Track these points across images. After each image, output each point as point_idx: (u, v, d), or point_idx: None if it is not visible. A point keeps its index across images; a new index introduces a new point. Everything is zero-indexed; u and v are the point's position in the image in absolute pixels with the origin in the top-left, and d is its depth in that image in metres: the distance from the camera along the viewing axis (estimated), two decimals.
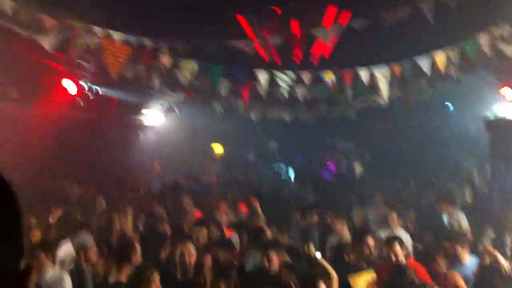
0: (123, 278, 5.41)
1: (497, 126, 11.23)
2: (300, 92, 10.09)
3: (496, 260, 5.86)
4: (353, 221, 9.32)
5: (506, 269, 5.59)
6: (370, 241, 6.37)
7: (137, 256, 5.82)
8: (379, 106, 12.03)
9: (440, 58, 8.53)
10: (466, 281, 5.64)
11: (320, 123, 14.20)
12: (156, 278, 5.01)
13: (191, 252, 6.16)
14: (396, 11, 7.91)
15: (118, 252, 5.97)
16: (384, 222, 8.28)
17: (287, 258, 6.34)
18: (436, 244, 7.19)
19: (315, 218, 8.53)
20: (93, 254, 6.55)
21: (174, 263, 6.22)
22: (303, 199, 11.56)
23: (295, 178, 17.47)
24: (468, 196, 11.13)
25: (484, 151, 12.24)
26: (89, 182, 11.20)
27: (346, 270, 5.95)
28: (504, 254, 6.47)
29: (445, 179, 13.47)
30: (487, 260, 6.03)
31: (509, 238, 7.66)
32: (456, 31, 8.55)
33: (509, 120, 11.03)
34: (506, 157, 10.82)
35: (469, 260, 6.36)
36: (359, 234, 6.75)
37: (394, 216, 8.13)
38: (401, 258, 5.97)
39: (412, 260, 6.28)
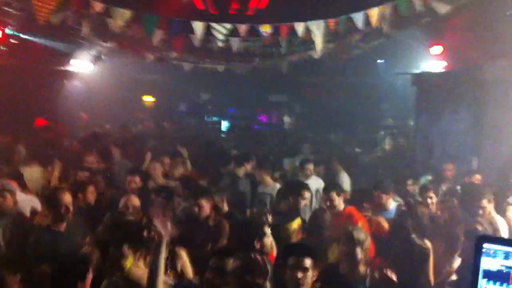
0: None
1: (423, 80, 11.69)
2: (234, 43, 9.99)
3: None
4: (284, 171, 9.59)
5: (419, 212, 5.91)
6: (307, 194, 6.56)
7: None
8: (312, 60, 12.19)
9: (373, 13, 8.65)
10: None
11: (253, 75, 14.21)
12: None
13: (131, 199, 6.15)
14: None
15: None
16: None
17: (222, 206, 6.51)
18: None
19: (246, 169, 8.63)
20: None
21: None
22: (234, 150, 11.64)
23: (226, 130, 17.54)
24: (387, 144, 11.60)
25: (409, 104, 12.78)
26: (10, 131, 10.69)
27: (280, 220, 6.13)
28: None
29: (368, 130, 14.07)
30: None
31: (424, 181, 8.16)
32: None
33: (434, 74, 11.45)
34: (430, 110, 11.34)
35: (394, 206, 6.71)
36: (294, 186, 6.87)
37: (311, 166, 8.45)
38: (337, 204, 6.22)
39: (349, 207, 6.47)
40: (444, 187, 7.85)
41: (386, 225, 6.09)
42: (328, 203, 6.29)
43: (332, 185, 6.76)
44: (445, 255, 5.46)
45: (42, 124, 11.85)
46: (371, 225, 6.08)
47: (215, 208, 6.27)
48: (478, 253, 2.41)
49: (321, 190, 7.30)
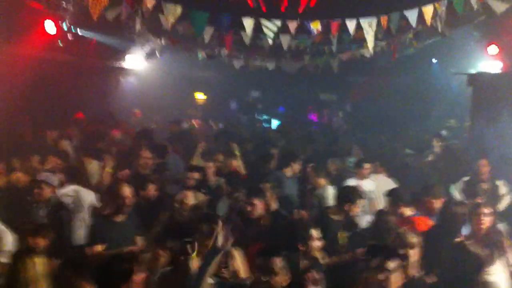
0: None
1: (479, 81, 11.33)
2: (284, 40, 9.94)
3: None
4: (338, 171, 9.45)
5: None
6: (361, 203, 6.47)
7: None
8: (363, 59, 12.00)
9: (427, 11, 8.42)
10: None
11: (303, 73, 14.11)
12: None
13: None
14: None
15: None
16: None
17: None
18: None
19: (296, 168, 8.58)
20: None
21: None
22: (285, 149, 11.57)
23: (277, 128, 17.48)
24: (437, 147, 11.22)
25: (465, 106, 12.39)
26: (64, 127, 11.00)
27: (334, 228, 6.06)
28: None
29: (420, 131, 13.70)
30: None
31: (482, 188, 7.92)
32: None
33: (491, 75, 11.09)
34: (486, 111, 10.97)
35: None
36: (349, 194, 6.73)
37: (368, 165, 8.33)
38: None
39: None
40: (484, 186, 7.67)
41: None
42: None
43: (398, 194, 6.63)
44: None
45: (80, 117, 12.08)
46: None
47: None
48: None
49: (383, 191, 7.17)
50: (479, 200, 6.68)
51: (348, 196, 6.40)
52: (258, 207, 6.10)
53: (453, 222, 5.72)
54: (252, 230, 6.02)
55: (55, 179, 6.83)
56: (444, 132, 13.50)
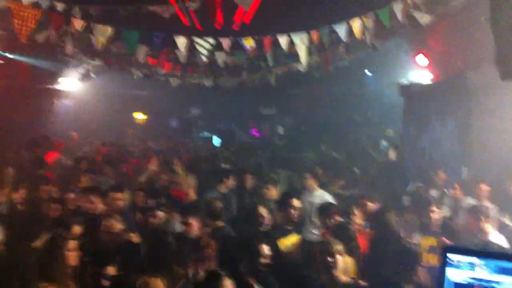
0: None
1: (410, 91, 11.71)
2: (219, 58, 10.00)
3: None
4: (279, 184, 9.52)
5: None
6: (296, 203, 6.51)
7: None
8: (299, 72, 12.20)
9: (356, 25, 8.66)
10: None
11: (241, 89, 14.21)
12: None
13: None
14: None
15: None
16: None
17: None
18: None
19: (233, 182, 8.59)
20: None
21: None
22: (226, 164, 11.60)
23: (217, 144, 17.51)
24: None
25: (398, 115, 12.78)
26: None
27: (275, 234, 6.08)
28: None
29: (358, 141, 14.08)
30: None
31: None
32: None
33: (421, 85, 11.48)
34: (418, 119, 11.35)
35: None
36: (284, 196, 6.87)
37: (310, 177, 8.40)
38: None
39: None
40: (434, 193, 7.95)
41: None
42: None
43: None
44: None
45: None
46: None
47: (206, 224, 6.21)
48: (443, 263, 2.36)
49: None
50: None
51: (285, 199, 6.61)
52: (194, 226, 6.05)
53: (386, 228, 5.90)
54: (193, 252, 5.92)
55: None
56: (383, 142, 13.93)
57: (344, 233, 5.74)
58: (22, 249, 5.72)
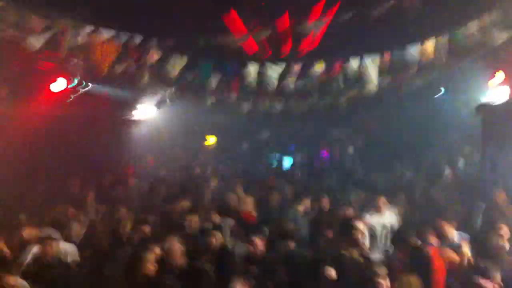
0: None
1: (488, 109, 11.34)
2: (289, 82, 10.08)
3: None
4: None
5: None
6: (361, 226, 6.47)
7: None
8: (370, 94, 12.07)
9: (429, 45, 8.54)
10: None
11: (311, 112, 14.20)
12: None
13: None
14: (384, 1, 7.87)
15: None
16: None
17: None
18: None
19: (308, 205, 8.61)
20: None
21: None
22: (298, 186, 11.61)
23: (289, 167, 17.52)
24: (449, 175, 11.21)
25: (476, 135, 12.38)
26: (83, 180, 11.19)
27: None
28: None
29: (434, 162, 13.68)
30: None
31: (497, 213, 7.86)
32: (445, 20, 8.55)
33: (499, 103, 11.09)
34: (497, 139, 10.95)
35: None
36: (347, 220, 6.83)
37: (383, 200, 8.24)
38: None
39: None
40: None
41: (455, 257, 6.01)
42: None
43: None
44: None
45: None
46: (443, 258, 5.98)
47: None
48: None
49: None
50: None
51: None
52: (259, 245, 6.12)
53: None
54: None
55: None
56: (461, 160, 13.50)
57: (418, 256, 5.65)
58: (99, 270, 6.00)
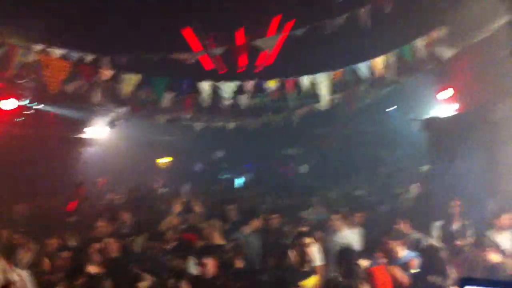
0: None
1: (433, 125, 11.65)
2: (242, 100, 10.13)
3: None
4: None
5: None
6: (308, 241, 6.49)
7: None
8: (322, 111, 12.24)
9: (378, 62, 8.75)
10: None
11: (264, 130, 14.28)
12: None
13: None
14: (336, 18, 8.03)
15: None
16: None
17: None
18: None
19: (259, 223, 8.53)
20: None
21: None
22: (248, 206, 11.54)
23: (243, 185, 17.51)
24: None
25: (422, 150, 12.69)
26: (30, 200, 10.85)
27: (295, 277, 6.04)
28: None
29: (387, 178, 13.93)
30: None
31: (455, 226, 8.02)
32: (394, 36, 8.81)
33: (444, 118, 11.40)
34: (443, 154, 11.23)
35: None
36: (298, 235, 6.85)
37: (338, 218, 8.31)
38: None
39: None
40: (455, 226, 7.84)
41: (402, 275, 6.07)
42: None
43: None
44: None
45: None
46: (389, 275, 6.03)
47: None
48: None
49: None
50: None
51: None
52: (210, 266, 6.06)
53: None
54: None
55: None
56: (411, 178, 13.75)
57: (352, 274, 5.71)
58: None
